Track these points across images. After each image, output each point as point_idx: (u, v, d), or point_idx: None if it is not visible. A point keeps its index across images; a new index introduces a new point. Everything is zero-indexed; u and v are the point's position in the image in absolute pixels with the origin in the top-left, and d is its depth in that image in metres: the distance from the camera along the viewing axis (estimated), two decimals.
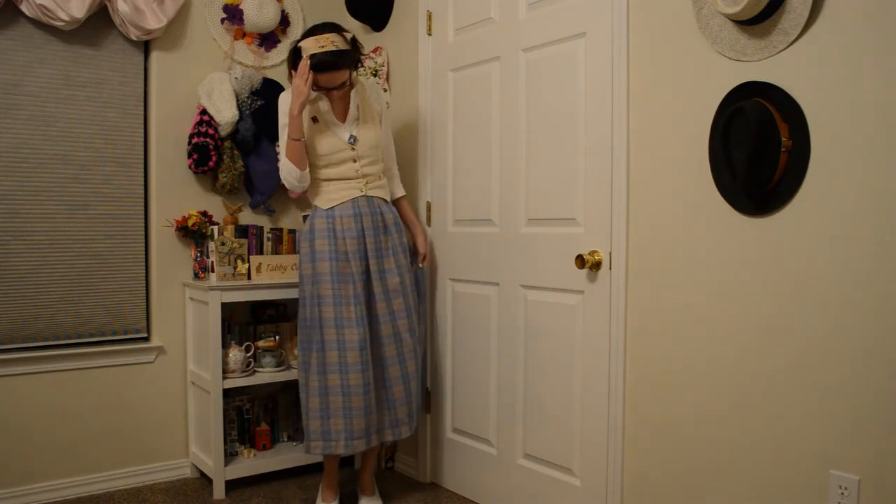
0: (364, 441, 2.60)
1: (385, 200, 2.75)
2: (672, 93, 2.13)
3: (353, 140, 2.66)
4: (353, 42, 2.63)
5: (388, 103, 3.25)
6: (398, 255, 2.72)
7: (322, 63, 2.51)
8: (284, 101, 2.65)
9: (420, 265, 2.90)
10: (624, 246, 2.27)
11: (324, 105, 2.66)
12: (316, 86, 2.57)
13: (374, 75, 3.23)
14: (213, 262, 3.02)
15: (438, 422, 3.05)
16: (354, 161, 2.66)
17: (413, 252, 2.88)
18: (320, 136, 2.65)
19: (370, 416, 2.61)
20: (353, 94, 2.71)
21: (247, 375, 3.01)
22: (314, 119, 2.65)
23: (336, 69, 2.53)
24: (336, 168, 2.66)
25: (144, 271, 3.08)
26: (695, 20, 2.05)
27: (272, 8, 3.22)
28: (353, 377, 2.56)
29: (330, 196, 2.66)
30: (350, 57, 2.58)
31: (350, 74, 2.62)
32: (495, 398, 2.77)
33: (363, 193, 2.67)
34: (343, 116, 2.68)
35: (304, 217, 3.34)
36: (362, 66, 2.87)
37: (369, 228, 2.65)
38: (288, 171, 2.62)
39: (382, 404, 2.69)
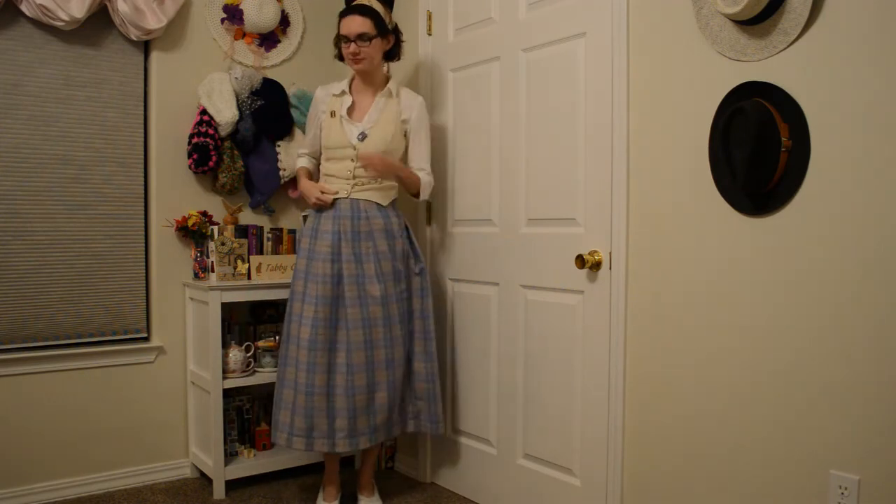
0: (303, 441, 2.57)
1: (378, 204, 2.68)
2: (672, 93, 2.13)
3: (363, 137, 2.64)
4: (395, 29, 2.75)
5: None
6: (383, 263, 2.65)
7: (345, 9, 2.64)
8: (317, 99, 2.78)
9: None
10: (624, 246, 2.27)
11: (346, 101, 2.69)
12: (338, 39, 2.67)
13: None
14: (213, 262, 3.02)
15: None
16: (351, 161, 2.66)
17: (416, 258, 2.78)
18: (330, 129, 2.69)
19: (311, 417, 2.57)
20: (379, 95, 2.71)
21: (247, 375, 3.01)
22: (332, 113, 2.69)
23: (357, 14, 2.60)
24: (335, 164, 2.69)
25: (144, 271, 3.08)
26: (695, 20, 2.05)
27: (272, 8, 3.22)
28: (300, 375, 2.59)
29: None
30: (378, 20, 2.62)
31: (376, 44, 2.63)
32: (495, 398, 2.77)
33: (347, 196, 2.66)
34: (361, 116, 2.70)
35: (304, 217, 3.34)
36: (398, 56, 2.82)
37: (347, 232, 2.63)
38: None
39: (336, 413, 2.59)
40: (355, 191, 2.67)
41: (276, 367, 3.07)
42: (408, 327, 2.73)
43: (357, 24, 2.60)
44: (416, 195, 2.80)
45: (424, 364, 2.75)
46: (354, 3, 2.66)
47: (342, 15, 2.65)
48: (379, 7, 2.68)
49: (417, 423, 2.78)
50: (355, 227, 2.64)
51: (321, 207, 2.68)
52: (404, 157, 2.78)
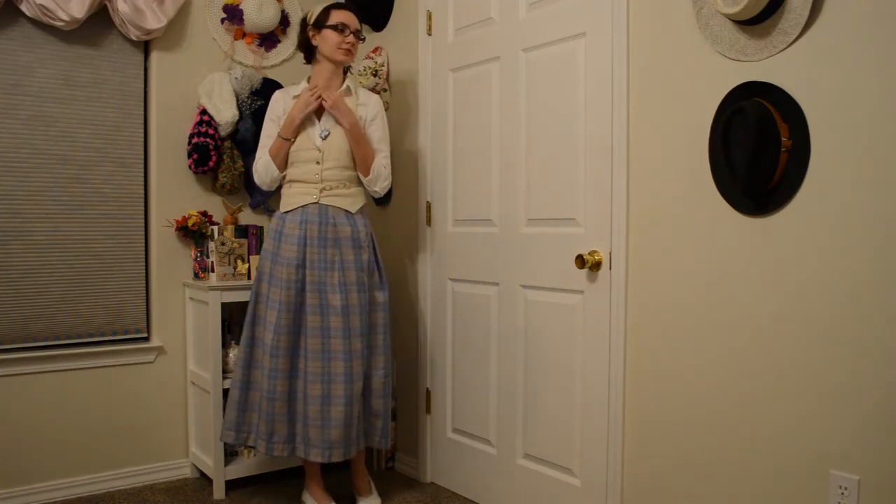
0: (264, 444, 2.58)
1: (346, 212, 2.65)
2: (672, 93, 2.13)
3: (326, 135, 2.60)
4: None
5: (387, 103, 3.24)
6: (347, 272, 2.61)
7: (337, 3, 2.66)
8: (276, 100, 2.74)
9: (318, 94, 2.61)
10: (624, 246, 2.27)
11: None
12: (327, 27, 2.62)
13: (374, 75, 3.23)
14: (213, 262, 3.02)
15: (438, 422, 3.05)
16: (317, 163, 2.62)
17: (378, 271, 2.73)
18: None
19: (276, 423, 2.58)
20: (344, 96, 2.68)
21: None
22: None
23: (352, 11, 2.68)
24: (299, 168, 2.64)
25: (144, 271, 3.08)
26: (695, 20, 2.05)
27: (272, 8, 3.22)
28: (263, 380, 2.59)
29: (288, 199, 2.67)
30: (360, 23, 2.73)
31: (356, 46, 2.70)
32: (495, 398, 2.77)
33: (316, 201, 2.61)
34: (321, 115, 2.67)
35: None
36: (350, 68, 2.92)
37: (313, 238, 2.59)
38: (265, 168, 2.66)
39: (297, 419, 2.60)
40: (324, 196, 2.62)
41: None
42: (368, 341, 2.67)
43: (355, 20, 2.67)
44: (366, 174, 2.67)
45: (383, 380, 2.71)
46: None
47: (337, 7, 2.67)
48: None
49: (370, 440, 2.73)
50: (322, 233, 2.60)
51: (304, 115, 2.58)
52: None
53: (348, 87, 2.71)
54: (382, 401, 2.72)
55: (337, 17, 2.64)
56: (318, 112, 2.67)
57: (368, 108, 2.74)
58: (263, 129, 2.74)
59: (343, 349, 2.57)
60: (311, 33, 2.68)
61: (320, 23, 2.65)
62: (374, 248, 2.73)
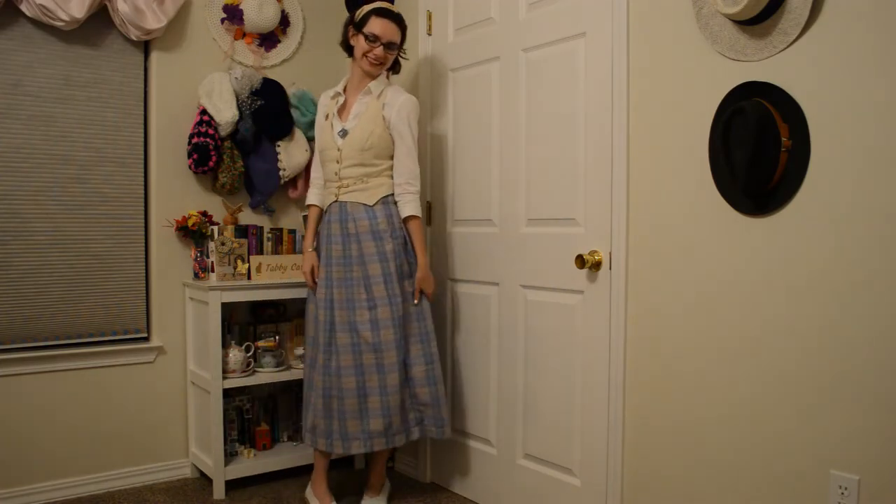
0: (310, 437, 2.66)
1: (364, 205, 2.61)
2: (672, 93, 2.13)
3: (343, 134, 2.63)
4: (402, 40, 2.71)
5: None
6: (370, 266, 2.58)
7: (383, 9, 2.62)
8: (320, 105, 2.86)
9: (414, 302, 2.66)
10: (624, 246, 2.27)
11: (340, 101, 2.72)
12: (362, 33, 2.60)
13: None
14: (213, 262, 3.02)
15: None
16: (337, 162, 2.66)
17: (408, 261, 2.67)
18: (322, 132, 2.75)
19: (317, 417, 2.63)
20: (361, 94, 2.66)
21: (247, 375, 3.01)
22: (326, 116, 2.74)
23: (395, 22, 2.63)
24: (325, 168, 2.74)
25: (144, 271, 3.08)
26: (695, 20, 2.05)
27: (272, 8, 3.22)
28: (315, 375, 2.67)
29: (323, 200, 2.80)
30: (404, 35, 2.68)
31: (394, 55, 2.68)
32: (495, 398, 2.77)
33: (336, 199, 2.66)
34: (347, 115, 2.69)
35: (304, 217, 3.35)
36: (398, 68, 2.81)
37: (336, 235, 2.64)
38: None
39: (333, 415, 2.61)
40: (343, 193, 2.65)
41: (276, 367, 3.10)
42: (402, 331, 2.61)
43: (392, 32, 2.62)
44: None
45: (425, 367, 2.64)
46: (391, 7, 2.66)
47: (378, 14, 2.59)
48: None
49: (422, 429, 2.69)
50: (344, 230, 2.63)
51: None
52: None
53: (369, 89, 2.65)
54: (428, 389, 2.64)
55: (373, 26, 2.58)
56: (341, 110, 2.71)
57: (393, 109, 2.62)
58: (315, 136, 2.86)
59: (372, 341, 2.58)
60: (350, 33, 2.67)
61: (359, 26, 2.62)
62: (403, 237, 2.65)
